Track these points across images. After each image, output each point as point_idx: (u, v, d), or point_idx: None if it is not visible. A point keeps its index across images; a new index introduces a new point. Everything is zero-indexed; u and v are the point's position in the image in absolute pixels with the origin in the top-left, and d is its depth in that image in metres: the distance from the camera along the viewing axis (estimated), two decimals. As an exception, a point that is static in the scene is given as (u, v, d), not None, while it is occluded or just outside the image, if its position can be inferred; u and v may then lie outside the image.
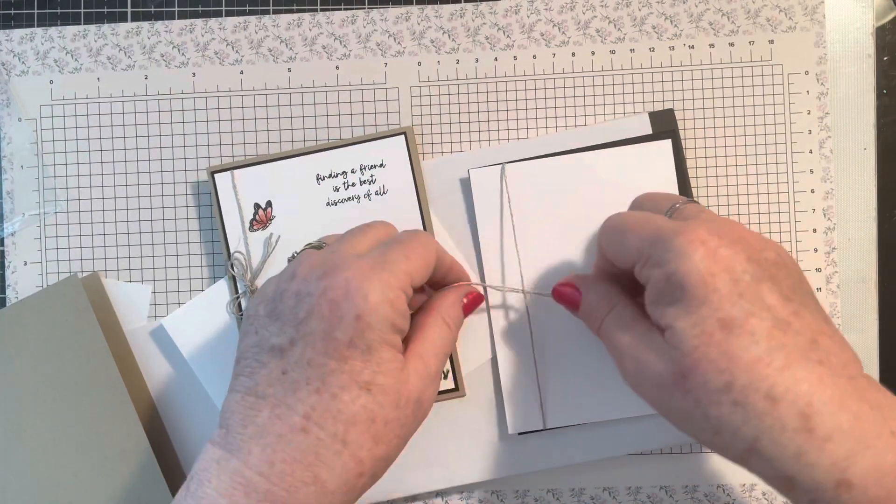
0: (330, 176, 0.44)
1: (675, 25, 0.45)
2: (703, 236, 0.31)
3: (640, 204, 0.39)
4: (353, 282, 0.33)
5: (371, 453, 0.32)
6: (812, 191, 0.45)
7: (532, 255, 0.43)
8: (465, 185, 0.45)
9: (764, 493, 0.44)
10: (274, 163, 0.44)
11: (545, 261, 0.43)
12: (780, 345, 0.29)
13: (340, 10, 0.46)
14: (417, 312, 0.39)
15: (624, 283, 0.37)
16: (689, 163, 0.45)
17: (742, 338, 0.30)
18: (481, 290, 0.43)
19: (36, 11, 0.47)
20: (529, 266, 0.43)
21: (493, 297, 0.44)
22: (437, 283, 0.41)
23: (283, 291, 0.34)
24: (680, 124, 0.45)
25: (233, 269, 0.44)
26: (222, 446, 0.32)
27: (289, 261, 0.41)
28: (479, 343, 0.44)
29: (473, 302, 0.41)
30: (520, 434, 0.44)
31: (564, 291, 0.39)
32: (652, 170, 0.43)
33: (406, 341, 0.36)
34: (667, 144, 0.43)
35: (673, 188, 0.43)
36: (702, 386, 0.30)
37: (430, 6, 0.46)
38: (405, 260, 0.35)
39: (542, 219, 0.43)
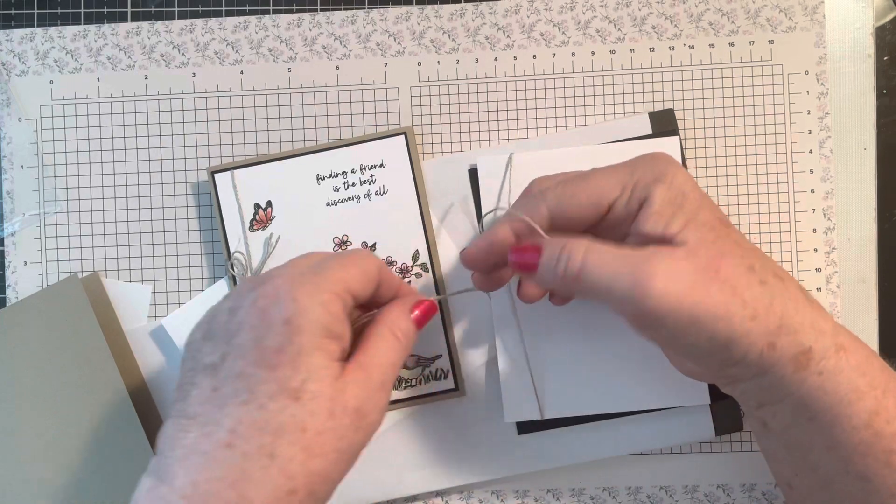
0: (330, 176, 0.44)
1: (675, 25, 0.45)
2: (673, 159, 0.35)
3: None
4: (283, 287, 0.31)
5: (304, 467, 0.30)
6: (812, 191, 0.45)
7: None
8: (466, 184, 0.45)
9: (764, 494, 0.44)
10: (274, 163, 0.44)
11: None
12: (755, 243, 0.36)
13: (340, 10, 0.46)
14: (364, 327, 0.36)
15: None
16: (689, 163, 0.45)
17: (736, 232, 0.34)
18: (435, 301, 0.39)
19: (36, 11, 0.47)
20: None
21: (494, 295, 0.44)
22: (384, 304, 0.38)
23: (217, 311, 0.33)
24: (680, 124, 0.45)
25: (233, 269, 0.44)
26: (153, 473, 0.30)
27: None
28: (479, 343, 0.44)
29: (425, 313, 0.37)
30: (520, 433, 0.44)
31: (523, 256, 0.35)
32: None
33: (350, 355, 0.34)
34: (674, 142, 0.43)
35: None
36: (734, 271, 0.32)
37: (430, 6, 0.46)
38: (340, 268, 0.33)
39: None
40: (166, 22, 0.46)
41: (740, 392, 0.35)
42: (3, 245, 0.46)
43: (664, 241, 0.33)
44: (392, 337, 0.35)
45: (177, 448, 0.30)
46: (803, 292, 0.33)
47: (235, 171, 0.44)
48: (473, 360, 0.44)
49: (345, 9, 0.46)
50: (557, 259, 0.33)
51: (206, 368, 0.32)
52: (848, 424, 0.32)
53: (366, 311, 0.37)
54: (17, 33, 0.46)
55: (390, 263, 0.44)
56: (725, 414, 0.43)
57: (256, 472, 0.29)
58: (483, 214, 0.43)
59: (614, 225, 0.35)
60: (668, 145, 0.43)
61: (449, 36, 0.46)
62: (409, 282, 0.44)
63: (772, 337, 0.32)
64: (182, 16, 0.46)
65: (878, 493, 0.32)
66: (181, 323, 0.44)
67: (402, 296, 0.38)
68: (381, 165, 0.44)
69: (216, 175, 0.44)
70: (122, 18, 0.47)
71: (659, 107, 0.45)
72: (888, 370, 0.34)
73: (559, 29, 0.45)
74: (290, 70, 0.46)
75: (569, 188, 0.35)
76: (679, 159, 0.43)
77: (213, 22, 0.46)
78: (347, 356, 0.33)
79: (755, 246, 0.35)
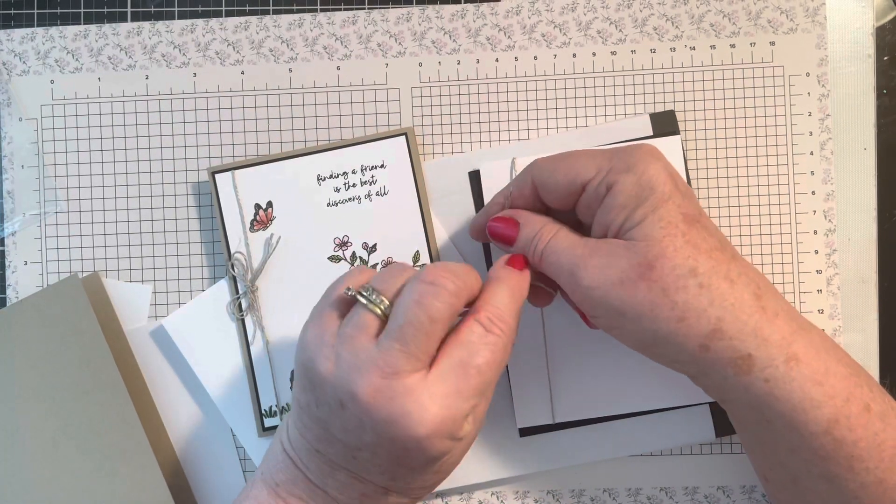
0: (331, 176, 0.44)
1: (677, 27, 0.45)
2: (656, 152, 0.35)
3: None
4: (424, 441, 0.32)
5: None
6: (813, 192, 0.45)
7: None
8: (467, 185, 0.45)
9: (764, 495, 0.44)
10: (275, 163, 0.44)
11: None
12: (727, 240, 0.35)
13: (341, 10, 0.46)
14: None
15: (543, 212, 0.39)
16: (690, 164, 0.45)
17: (701, 231, 0.34)
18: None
19: (36, 11, 0.47)
20: None
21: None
22: None
23: (344, 404, 0.32)
24: (681, 125, 0.45)
25: (233, 270, 0.44)
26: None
27: (348, 294, 0.35)
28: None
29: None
30: (522, 436, 0.44)
31: (502, 226, 0.38)
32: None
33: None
34: (675, 141, 0.43)
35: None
36: (670, 272, 0.33)
37: (431, 7, 0.46)
38: (479, 395, 0.33)
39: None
40: (167, 22, 0.46)
41: (703, 387, 0.36)
42: (3, 245, 0.46)
43: (618, 233, 0.34)
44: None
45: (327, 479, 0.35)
46: (758, 299, 0.33)
47: (236, 172, 0.44)
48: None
49: (345, 9, 0.46)
50: (531, 239, 0.37)
51: (341, 442, 0.34)
52: (805, 430, 0.33)
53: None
54: (18, 33, 0.46)
55: (391, 264, 0.44)
56: (726, 416, 0.43)
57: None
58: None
59: (588, 205, 0.36)
60: (668, 146, 0.43)
61: (450, 37, 0.46)
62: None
63: (704, 340, 0.33)
64: (182, 16, 0.46)
65: (843, 494, 0.33)
66: (181, 323, 0.44)
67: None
68: (382, 166, 0.44)
69: (217, 175, 0.44)
70: (122, 18, 0.46)
71: (660, 108, 0.45)
72: (854, 377, 0.33)
73: (560, 30, 0.45)
74: (290, 70, 0.46)
75: (551, 163, 0.37)
76: (680, 160, 0.43)
77: (213, 22, 0.46)
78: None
79: (722, 244, 0.34)
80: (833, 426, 0.32)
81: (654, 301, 0.33)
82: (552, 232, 0.36)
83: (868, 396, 0.33)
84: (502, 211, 0.39)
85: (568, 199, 0.36)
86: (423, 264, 0.44)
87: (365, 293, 0.34)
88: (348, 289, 0.34)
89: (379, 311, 0.33)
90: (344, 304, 0.35)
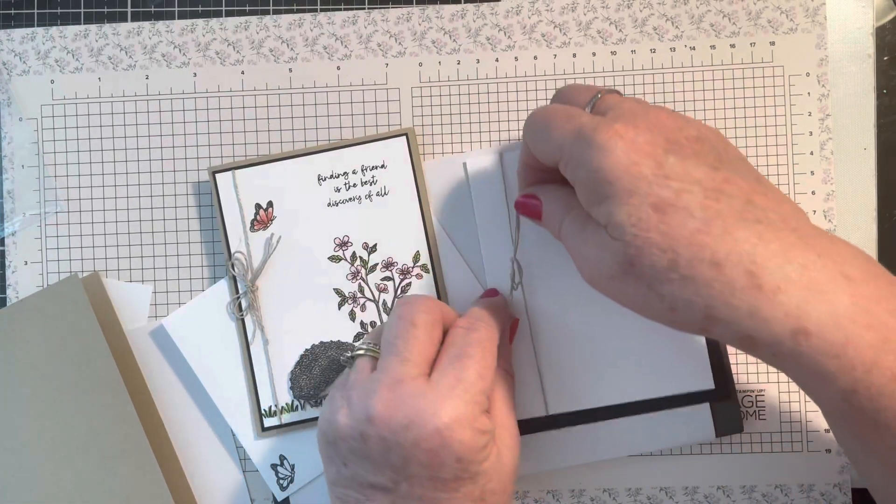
0: (331, 176, 0.44)
1: (677, 27, 0.45)
2: (620, 130, 0.32)
3: (562, 95, 0.38)
4: (445, 431, 0.33)
5: None
6: (813, 192, 0.45)
7: (532, 242, 0.43)
8: (464, 182, 0.45)
9: (764, 496, 0.44)
10: (275, 163, 0.44)
11: (547, 248, 0.43)
12: (716, 212, 0.30)
13: (341, 10, 0.46)
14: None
15: (556, 177, 0.37)
16: (690, 164, 0.45)
17: (677, 215, 0.30)
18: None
19: (36, 11, 0.47)
20: (528, 253, 0.43)
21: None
22: None
23: (365, 434, 0.34)
24: (681, 125, 0.45)
25: (233, 270, 0.44)
26: None
27: (344, 363, 0.40)
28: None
29: (513, 331, 0.43)
30: (521, 434, 0.44)
31: (527, 203, 0.38)
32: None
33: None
34: None
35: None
36: (650, 269, 0.31)
37: (431, 7, 0.46)
38: (480, 380, 0.35)
39: None
40: (167, 22, 0.46)
41: None
42: (3, 245, 0.46)
43: (598, 224, 0.33)
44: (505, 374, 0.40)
45: None
46: (752, 277, 0.29)
47: (237, 171, 0.44)
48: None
49: (346, 9, 0.46)
50: (551, 219, 0.37)
51: (376, 487, 0.34)
52: (824, 399, 0.31)
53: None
54: (18, 33, 0.46)
55: (391, 264, 0.44)
56: (726, 415, 0.43)
57: None
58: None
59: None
60: None
61: (450, 37, 0.46)
62: (409, 284, 0.44)
63: (701, 325, 0.31)
64: (182, 16, 0.46)
65: (875, 457, 0.31)
66: (181, 323, 0.44)
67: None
68: (383, 166, 0.44)
69: (217, 175, 0.44)
70: (122, 18, 0.46)
71: (660, 108, 0.45)
72: (881, 345, 0.29)
73: (560, 30, 0.45)
74: (291, 70, 0.46)
75: (531, 133, 0.36)
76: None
77: (214, 22, 0.46)
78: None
79: (707, 221, 0.30)
80: (851, 397, 0.29)
81: (644, 294, 0.32)
82: (564, 214, 0.35)
83: None
84: (527, 188, 0.39)
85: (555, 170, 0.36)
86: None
87: (357, 348, 0.38)
88: (342, 357, 0.39)
89: (374, 354, 0.37)
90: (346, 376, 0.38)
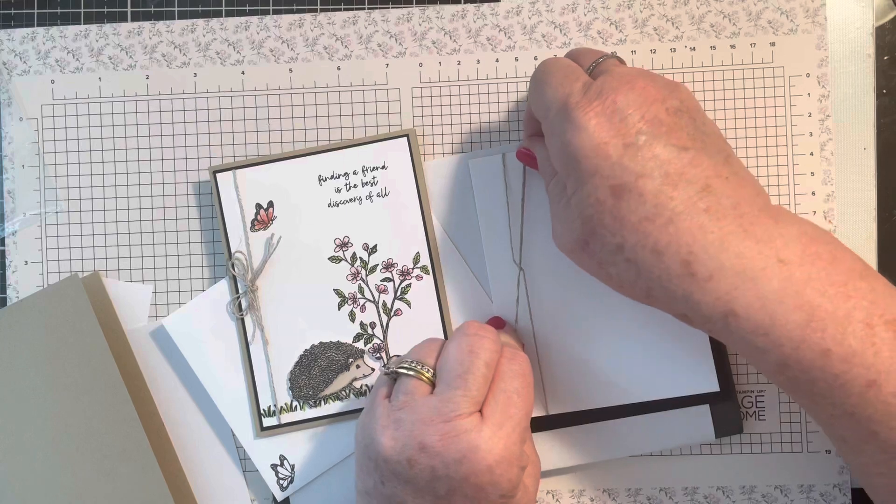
0: (332, 177, 0.44)
1: (677, 27, 0.45)
2: (598, 108, 0.33)
3: (572, 54, 0.39)
4: (497, 468, 0.34)
5: None
6: (813, 193, 0.45)
7: (536, 241, 0.43)
8: (465, 183, 0.45)
9: (764, 496, 0.44)
10: (276, 163, 0.44)
11: (548, 249, 0.43)
12: (668, 199, 0.32)
13: (341, 10, 0.46)
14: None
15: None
16: (690, 164, 0.45)
17: (631, 200, 0.32)
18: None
19: (36, 11, 0.47)
20: (530, 255, 0.43)
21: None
22: None
23: (413, 461, 0.34)
24: (681, 126, 0.45)
25: (234, 270, 0.44)
26: None
27: (385, 373, 0.38)
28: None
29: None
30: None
31: (527, 154, 0.41)
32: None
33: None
34: None
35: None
36: (600, 249, 0.34)
37: (431, 7, 0.46)
38: (526, 418, 0.36)
39: (544, 206, 0.43)
40: (168, 22, 0.46)
41: None
42: (3, 245, 0.46)
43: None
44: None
45: None
46: (687, 266, 0.32)
47: (237, 171, 0.44)
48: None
49: (346, 9, 0.46)
50: (544, 176, 0.39)
51: None
52: (766, 372, 0.33)
53: None
54: (19, 33, 0.46)
55: (391, 265, 0.44)
56: (726, 416, 0.43)
57: None
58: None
59: None
60: None
61: (450, 37, 0.46)
62: (409, 285, 0.44)
63: (645, 301, 0.35)
64: (182, 16, 0.46)
65: (821, 426, 0.34)
66: (182, 323, 0.44)
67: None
68: (383, 167, 0.44)
69: (218, 175, 0.44)
70: (122, 18, 0.46)
71: (660, 108, 0.45)
72: (808, 323, 0.31)
73: (560, 30, 0.45)
74: (291, 70, 0.46)
75: (533, 91, 0.37)
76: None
77: (214, 22, 0.46)
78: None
79: (657, 210, 0.32)
80: (785, 369, 0.32)
81: (596, 270, 0.35)
82: (550, 176, 0.37)
83: (833, 340, 0.31)
84: (528, 140, 0.41)
85: None
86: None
87: (406, 366, 0.37)
88: (387, 368, 0.38)
89: (426, 378, 0.36)
90: (389, 387, 0.38)
